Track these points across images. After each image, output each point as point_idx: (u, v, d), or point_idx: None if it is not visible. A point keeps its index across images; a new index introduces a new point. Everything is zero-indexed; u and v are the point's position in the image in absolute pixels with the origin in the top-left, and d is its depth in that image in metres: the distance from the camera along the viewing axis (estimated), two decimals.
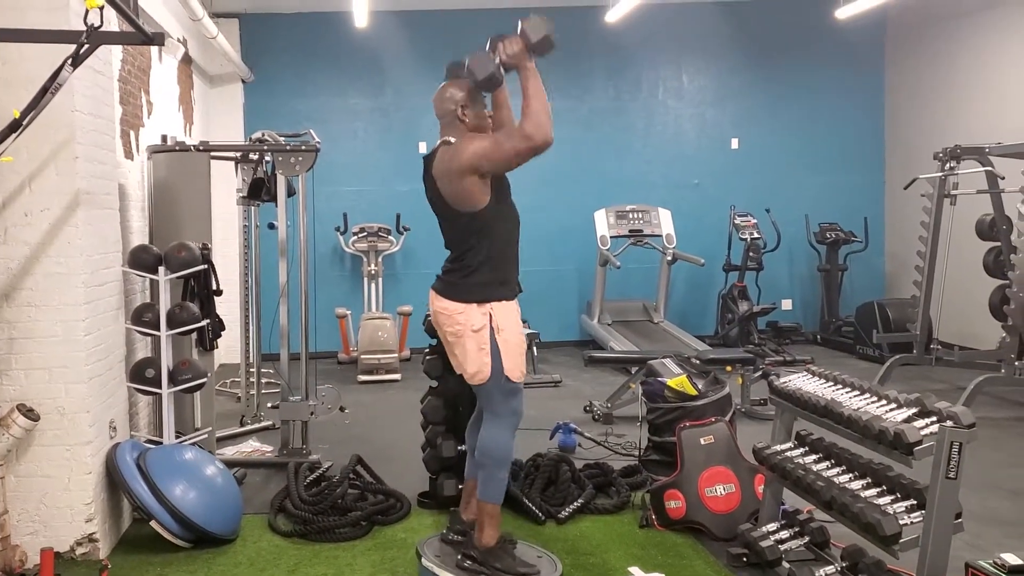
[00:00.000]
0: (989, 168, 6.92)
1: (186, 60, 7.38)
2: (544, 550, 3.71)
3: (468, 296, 3.38)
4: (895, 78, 9.96)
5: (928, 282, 7.35)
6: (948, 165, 7.05)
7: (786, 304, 9.91)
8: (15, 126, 2.54)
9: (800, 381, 3.64)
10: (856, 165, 9.97)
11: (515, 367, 3.41)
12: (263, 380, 6.60)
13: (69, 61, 2.46)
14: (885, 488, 3.01)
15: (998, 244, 7.04)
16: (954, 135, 8.19)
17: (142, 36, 2.90)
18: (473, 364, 3.38)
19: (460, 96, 3.36)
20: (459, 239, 3.45)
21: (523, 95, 3.21)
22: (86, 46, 2.50)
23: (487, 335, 3.34)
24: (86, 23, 2.48)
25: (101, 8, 2.41)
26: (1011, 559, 2.38)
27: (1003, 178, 6.85)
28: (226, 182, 6.60)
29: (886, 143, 10.07)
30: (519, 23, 3.21)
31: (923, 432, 2.77)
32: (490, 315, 3.35)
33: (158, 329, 4.31)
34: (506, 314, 3.40)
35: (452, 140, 3.35)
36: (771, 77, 9.86)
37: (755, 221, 9.19)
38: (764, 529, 3.59)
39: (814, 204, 9.63)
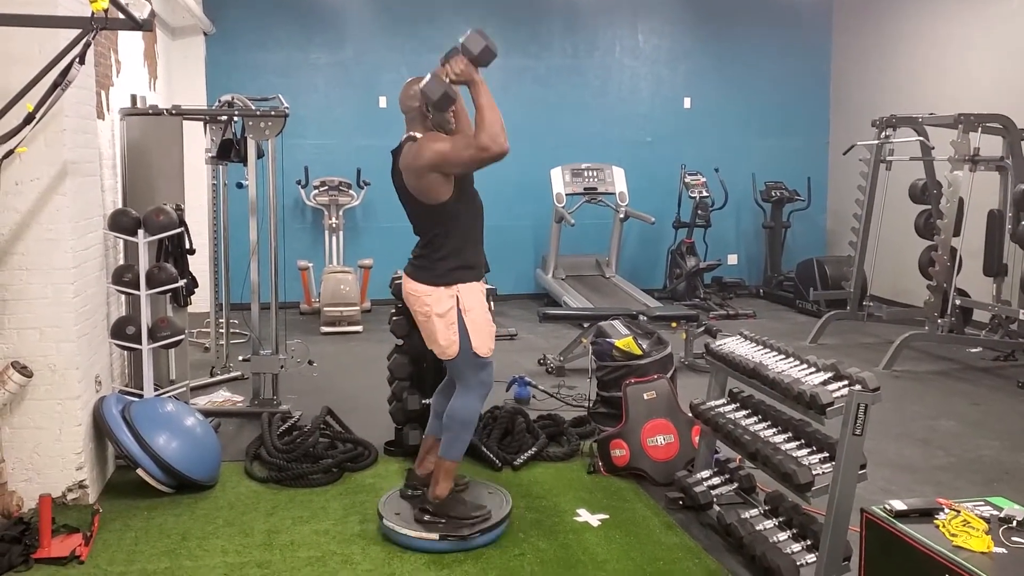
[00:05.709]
0: (921, 139, 7.31)
1: (151, 15, 7.40)
2: (495, 485, 3.97)
3: (436, 279, 3.55)
4: (841, 44, 10.25)
5: (863, 243, 7.74)
6: (884, 133, 7.41)
7: (732, 259, 10.27)
8: (29, 119, 2.74)
9: (733, 344, 3.95)
10: (802, 127, 10.30)
11: (483, 344, 3.61)
12: (230, 330, 6.79)
13: (77, 60, 2.65)
14: (803, 441, 3.35)
15: (929, 207, 7.44)
16: (895, 101, 8.55)
17: (135, 23, 3.11)
18: (442, 340, 3.57)
19: None
20: (425, 228, 3.62)
21: (476, 107, 3.36)
22: (86, 39, 2.68)
23: (454, 315, 3.53)
24: (92, 17, 2.62)
25: (106, 10, 2.59)
26: (898, 505, 2.73)
27: (933, 148, 7.25)
28: (195, 139, 6.71)
29: (831, 106, 10.39)
30: (459, 41, 3.36)
31: (835, 394, 3.11)
32: (457, 297, 3.54)
33: (138, 288, 4.53)
34: (471, 295, 3.58)
35: (417, 136, 3.48)
36: (724, 38, 10.07)
37: (704, 180, 9.47)
38: (698, 476, 3.96)
39: (761, 164, 9.94)
